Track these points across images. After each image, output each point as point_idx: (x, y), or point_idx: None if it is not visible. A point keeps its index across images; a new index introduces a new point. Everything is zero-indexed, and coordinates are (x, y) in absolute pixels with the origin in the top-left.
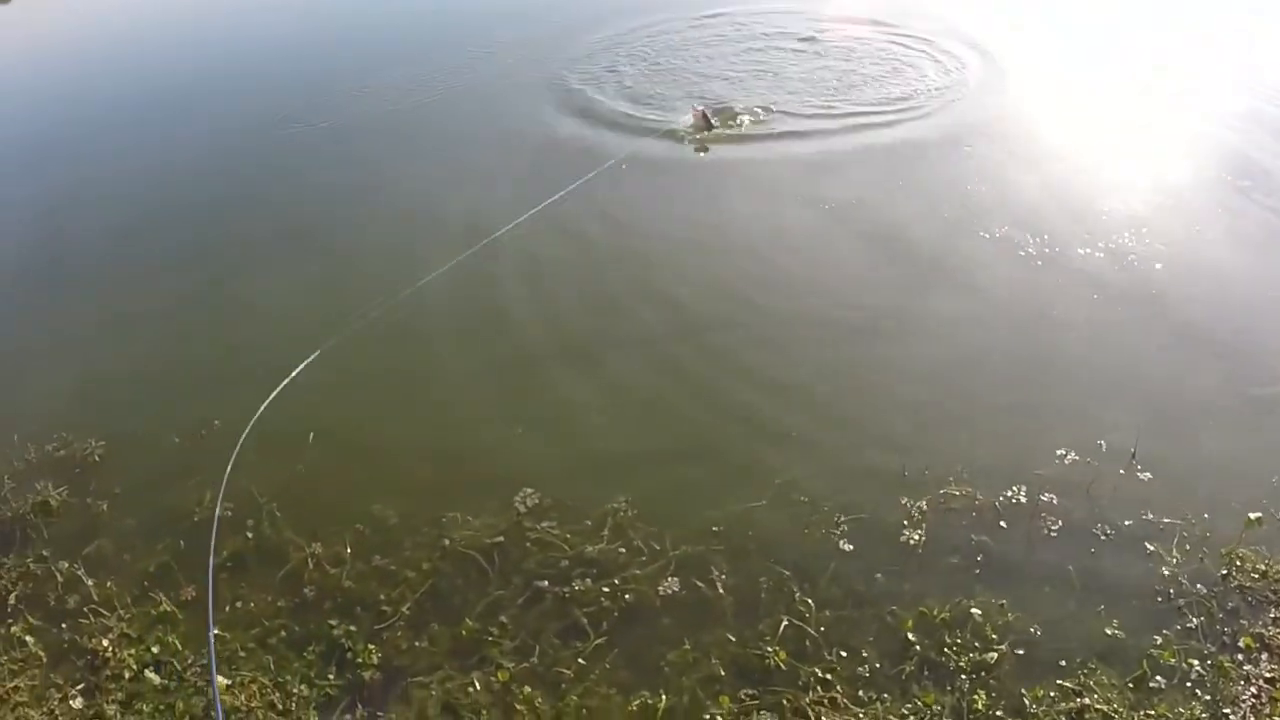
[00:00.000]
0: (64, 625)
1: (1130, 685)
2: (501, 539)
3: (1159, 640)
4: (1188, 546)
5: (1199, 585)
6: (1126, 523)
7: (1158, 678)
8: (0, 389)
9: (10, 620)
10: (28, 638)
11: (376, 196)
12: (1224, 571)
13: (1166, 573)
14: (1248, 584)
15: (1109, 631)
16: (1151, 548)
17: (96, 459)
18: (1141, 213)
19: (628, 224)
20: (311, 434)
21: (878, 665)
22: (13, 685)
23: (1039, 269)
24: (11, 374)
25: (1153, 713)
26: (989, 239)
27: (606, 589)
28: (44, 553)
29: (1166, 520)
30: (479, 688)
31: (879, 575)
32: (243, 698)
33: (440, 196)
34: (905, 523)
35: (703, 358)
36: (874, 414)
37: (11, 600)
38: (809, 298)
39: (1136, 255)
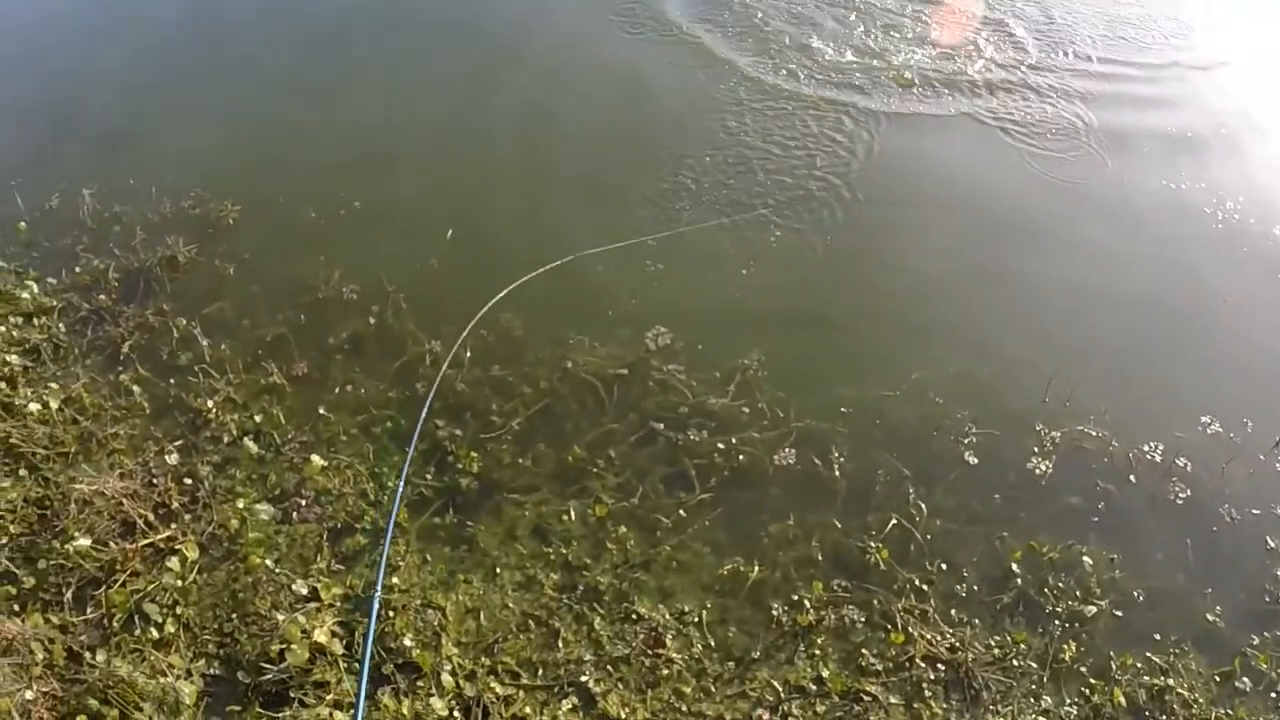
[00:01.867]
0: (172, 381)
1: (1217, 679)
2: (625, 372)
3: (1256, 641)
4: None
5: None
6: (1254, 511)
7: (1245, 678)
8: (146, 140)
9: (121, 369)
10: (135, 387)
11: None
12: None
13: None
14: None
15: (1210, 617)
16: (1273, 544)
17: (230, 222)
18: None
19: None
20: (450, 230)
21: (975, 588)
22: (113, 431)
23: (1226, 233)
24: (158, 128)
25: (1230, 713)
26: (1175, 188)
27: (721, 445)
28: (164, 306)
29: None
30: (574, 517)
31: (997, 497)
32: (336, 481)
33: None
34: (1035, 450)
35: (863, 231)
36: (1028, 331)
37: (125, 349)
38: (979, 196)
39: None
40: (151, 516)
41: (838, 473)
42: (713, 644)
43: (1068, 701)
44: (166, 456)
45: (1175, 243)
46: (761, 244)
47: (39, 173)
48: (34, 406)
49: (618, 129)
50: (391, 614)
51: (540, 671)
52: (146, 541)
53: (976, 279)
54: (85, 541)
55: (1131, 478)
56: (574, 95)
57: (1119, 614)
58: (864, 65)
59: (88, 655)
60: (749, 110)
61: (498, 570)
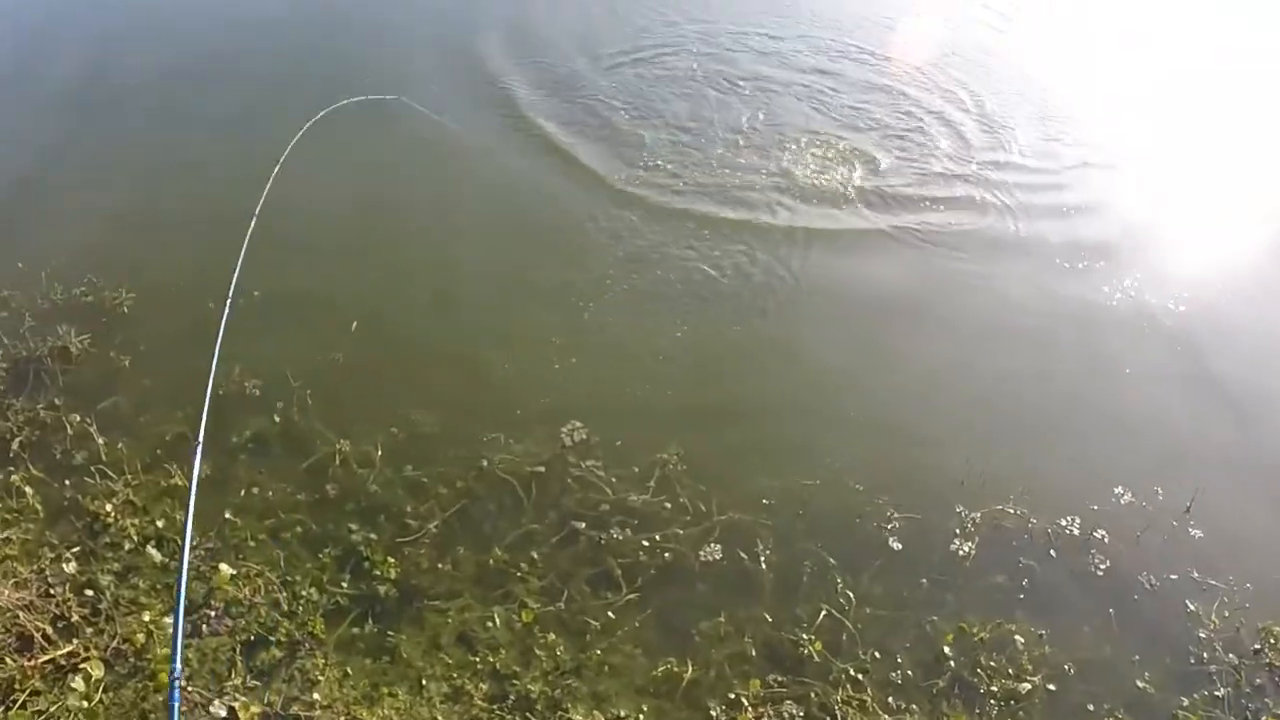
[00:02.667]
0: (67, 482)
1: None
2: (542, 469)
3: (1185, 702)
4: (1227, 613)
5: (1231, 654)
6: (1172, 576)
7: None
8: (34, 222)
9: (11, 468)
10: (27, 488)
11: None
12: (1258, 646)
13: (1203, 635)
14: (1279, 663)
15: (1139, 684)
16: (1192, 607)
17: (124, 310)
18: (1236, 265)
19: None
20: (355, 323)
21: (910, 674)
22: (5, 536)
23: (1123, 311)
24: (47, 207)
25: None
26: (1072, 270)
27: (646, 543)
28: (56, 401)
29: (1211, 582)
30: (499, 623)
31: (924, 580)
32: (247, 591)
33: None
34: (957, 532)
35: (770, 323)
36: (942, 416)
37: (15, 446)
38: (885, 290)
39: (1225, 315)
40: (50, 630)
41: (764, 565)
42: None
43: None
44: (64, 564)
45: (1076, 322)
46: (668, 338)
47: None
48: None
49: (521, 225)
50: None
51: None
52: (46, 657)
53: (888, 368)
54: None
55: (1052, 552)
56: (476, 194)
57: (1052, 688)
58: (772, 168)
59: None
60: (657, 217)
61: (424, 682)
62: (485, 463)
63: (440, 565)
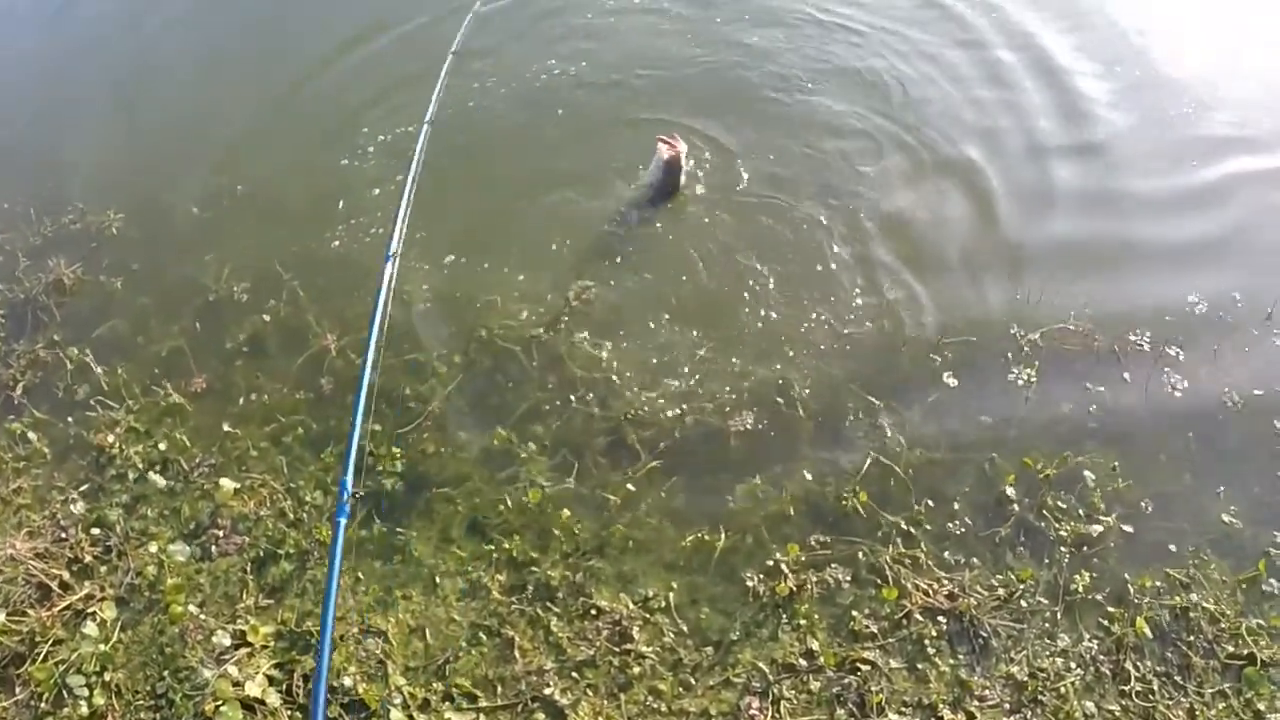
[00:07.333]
0: (70, 419)
1: (1242, 585)
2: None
3: (1278, 537)
4: None
5: None
6: (1257, 392)
7: (1272, 580)
8: (16, 157)
9: (14, 415)
10: (32, 434)
11: None
12: None
13: None
14: None
15: (1226, 519)
16: None
17: (113, 232)
18: None
19: None
20: (341, 202)
21: (969, 522)
22: (16, 486)
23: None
24: (26, 141)
25: (1262, 623)
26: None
27: (672, 413)
28: (55, 337)
29: None
30: (511, 505)
31: (982, 417)
32: (251, 504)
33: None
34: (1012, 356)
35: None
36: (989, 231)
37: (18, 392)
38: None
39: None
40: (66, 575)
41: (802, 413)
42: (685, 629)
43: (1086, 637)
44: (72, 506)
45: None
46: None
47: None
48: None
49: None
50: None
51: (499, 689)
52: (64, 604)
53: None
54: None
55: (1124, 375)
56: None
57: (1128, 529)
58: None
59: None
60: None
61: (437, 580)
62: (484, 333)
63: (443, 450)
